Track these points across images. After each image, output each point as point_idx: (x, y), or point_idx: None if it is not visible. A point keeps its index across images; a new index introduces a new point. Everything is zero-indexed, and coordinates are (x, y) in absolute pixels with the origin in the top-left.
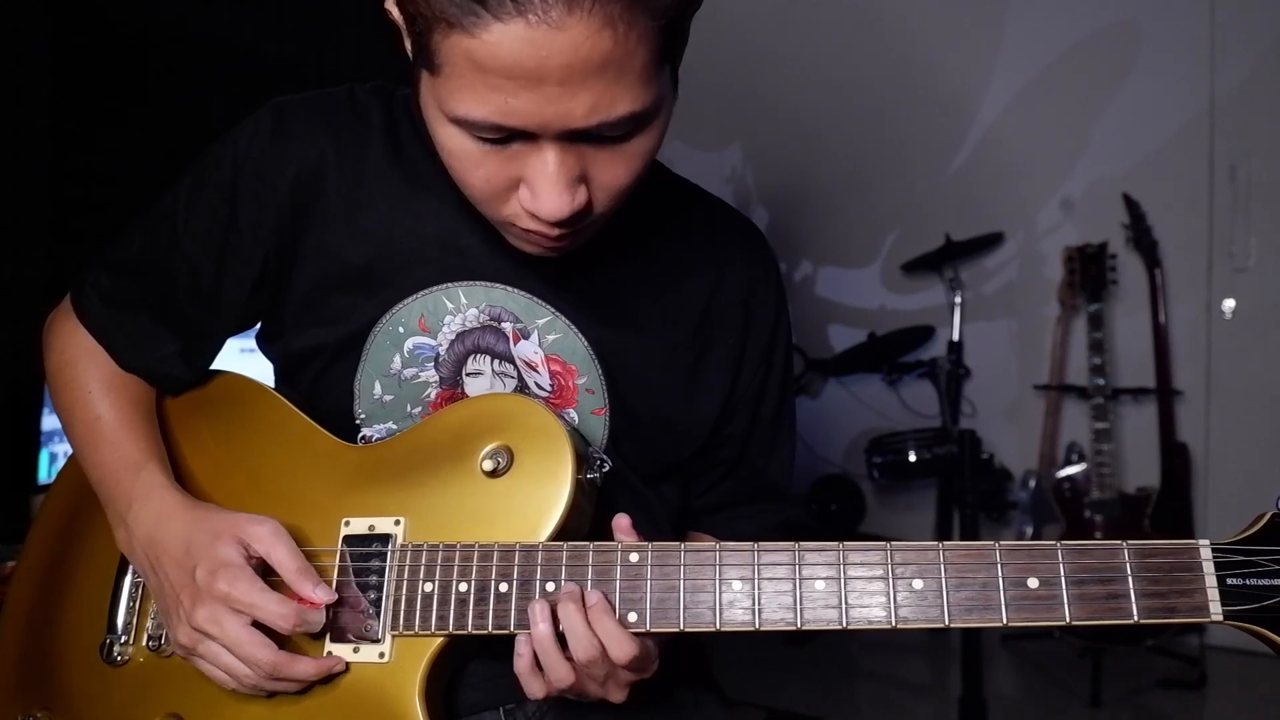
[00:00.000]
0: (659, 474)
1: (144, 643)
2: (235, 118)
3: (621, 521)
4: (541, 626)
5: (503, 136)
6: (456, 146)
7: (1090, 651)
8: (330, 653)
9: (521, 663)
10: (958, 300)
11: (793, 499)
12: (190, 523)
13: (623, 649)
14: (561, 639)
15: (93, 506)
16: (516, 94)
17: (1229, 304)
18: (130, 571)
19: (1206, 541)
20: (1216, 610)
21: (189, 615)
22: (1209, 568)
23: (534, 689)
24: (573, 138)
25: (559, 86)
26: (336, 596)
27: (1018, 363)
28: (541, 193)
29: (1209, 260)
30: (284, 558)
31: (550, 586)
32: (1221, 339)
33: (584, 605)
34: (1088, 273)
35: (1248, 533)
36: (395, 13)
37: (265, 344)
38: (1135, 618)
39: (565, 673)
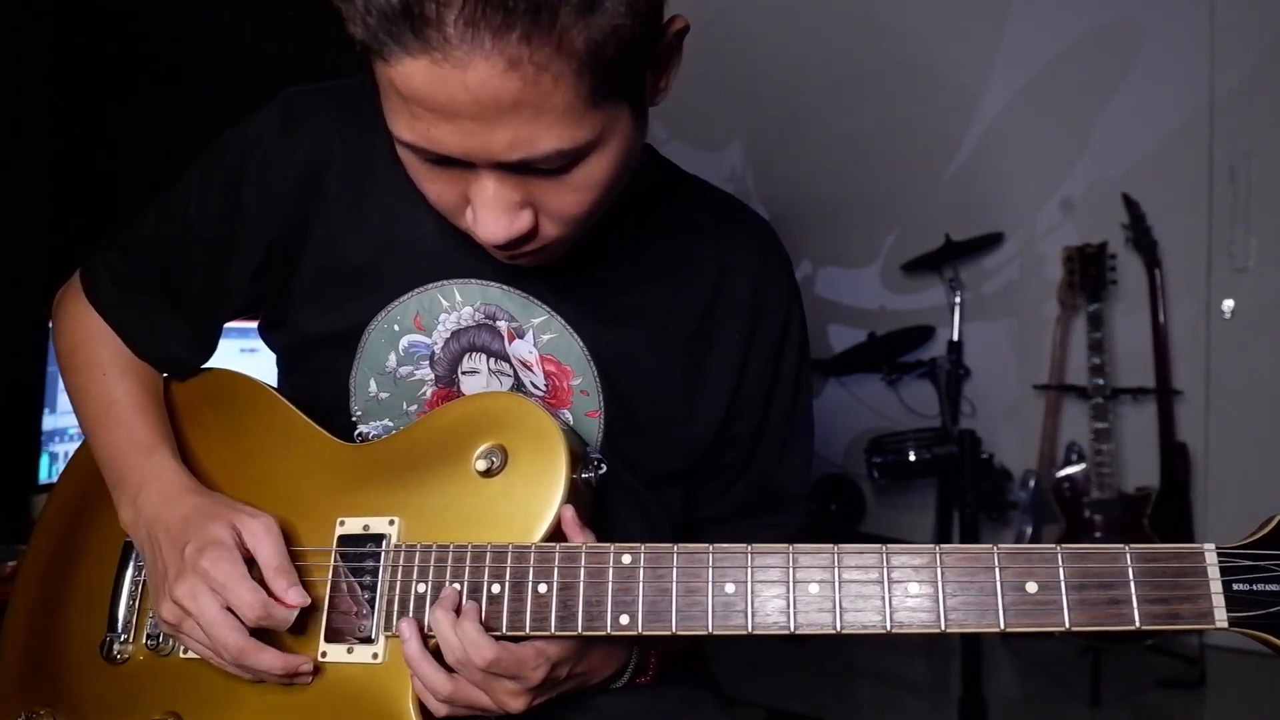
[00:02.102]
0: (660, 479)
1: (143, 641)
2: (235, 117)
3: (565, 513)
4: (411, 644)
5: (440, 160)
6: (408, 163)
7: (1090, 651)
8: (325, 653)
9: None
10: (958, 300)
11: (804, 508)
12: (193, 505)
13: (480, 653)
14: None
15: (95, 506)
16: (437, 124)
17: (1229, 304)
18: (130, 570)
19: (1212, 546)
20: (1222, 617)
21: (171, 589)
22: (1214, 573)
23: (431, 706)
24: (507, 167)
25: (474, 121)
26: (309, 601)
27: (1018, 363)
28: (480, 217)
29: (1209, 260)
30: (268, 554)
31: (542, 589)
32: (1221, 339)
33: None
34: (1087, 273)
35: (1255, 536)
36: None
37: (267, 332)
38: (1137, 624)
39: (441, 681)
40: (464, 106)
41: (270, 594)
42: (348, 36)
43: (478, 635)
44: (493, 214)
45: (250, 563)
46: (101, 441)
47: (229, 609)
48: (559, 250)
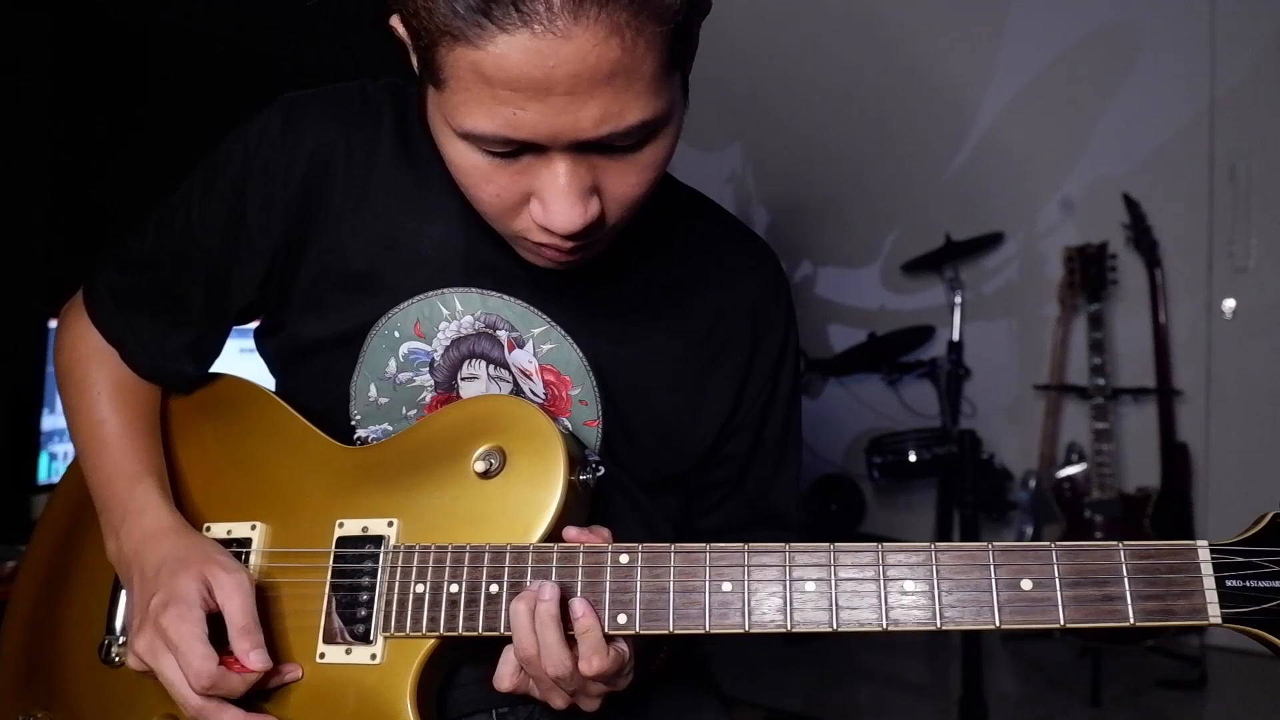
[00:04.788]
0: (658, 484)
1: None
2: (236, 117)
3: (569, 532)
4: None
5: (512, 150)
6: (465, 162)
7: (1090, 652)
8: (323, 654)
9: (506, 666)
10: (958, 300)
11: (799, 526)
12: (170, 547)
13: (593, 664)
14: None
15: (95, 509)
16: (524, 106)
17: (1229, 304)
18: None
19: (1205, 542)
20: (1215, 613)
21: (133, 640)
22: (1207, 569)
23: (501, 675)
24: (583, 148)
25: (567, 97)
26: (271, 665)
27: (1018, 363)
28: (553, 206)
29: (1209, 260)
30: (234, 612)
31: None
32: (1221, 339)
33: (556, 613)
34: (1088, 273)
35: (1248, 533)
36: (400, 29)
37: (265, 339)
38: (1131, 620)
39: (535, 659)
40: (560, 81)
41: (230, 658)
42: (409, 31)
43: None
44: (567, 202)
45: (218, 616)
46: (90, 464)
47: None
48: (606, 243)
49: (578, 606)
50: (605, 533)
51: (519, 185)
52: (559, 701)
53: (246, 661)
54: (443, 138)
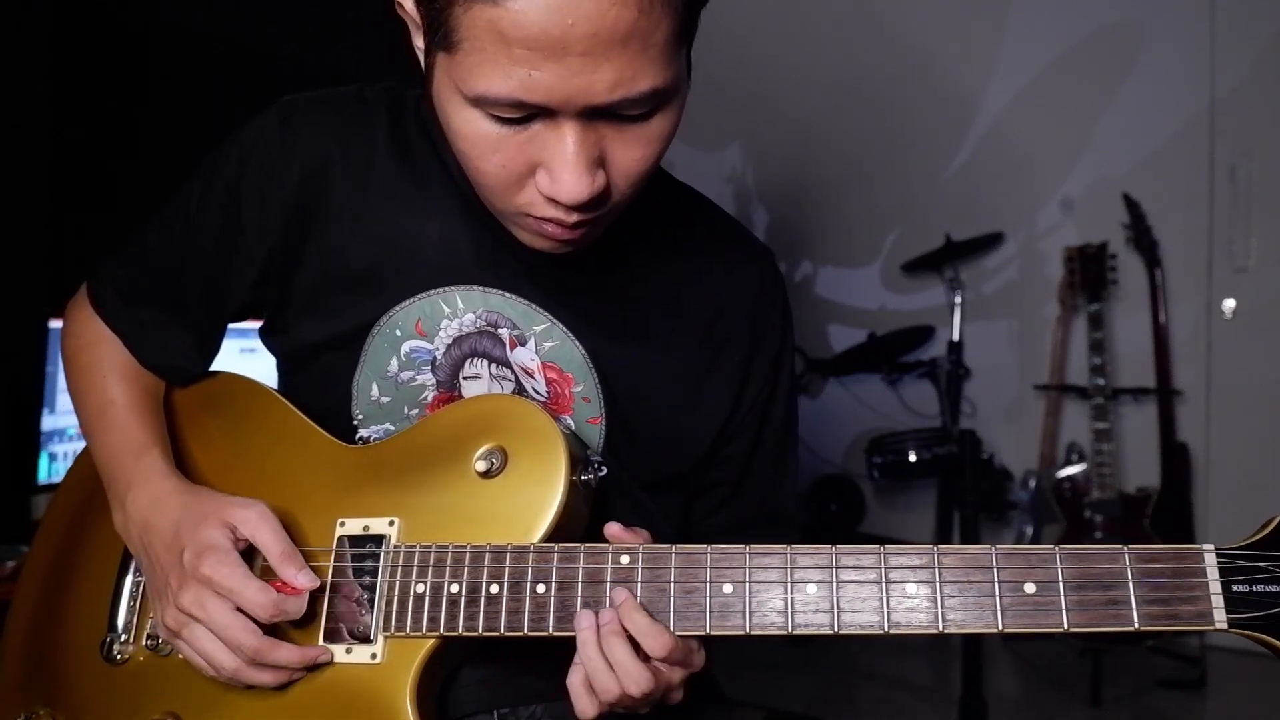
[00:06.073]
0: (661, 483)
1: (143, 642)
2: (237, 117)
3: (611, 528)
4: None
5: (523, 115)
6: (473, 131)
7: (1090, 652)
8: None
9: (575, 677)
10: (958, 300)
11: (799, 525)
12: (182, 506)
13: (662, 641)
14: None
15: (97, 506)
16: (540, 66)
17: (1229, 304)
18: (131, 571)
19: (1211, 546)
20: (1221, 618)
21: (175, 597)
22: (1213, 574)
23: (584, 707)
24: (593, 116)
25: (583, 58)
26: (319, 582)
27: (1018, 363)
28: (561, 175)
29: (1209, 260)
30: (269, 541)
31: (540, 589)
32: (1221, 339)
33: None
34: (1088, 273)
35: (1255, 538)
36: (408, 2)
37: (269, 337)
38: (1136, 625)
39: (614, 683)
40: (577, 41)
41: (277, 582)
42: (396, 15)
43: (669, 639)
44: (575, 171)
45: (248, 555)
46: (97, 443)
47: (238, 610)
48: (606, 224)
49: (618, 594)
50: (645, 534)
51: (526, 155)
52: (646, 708)
53: (296, 583)
54: (450, 107)
